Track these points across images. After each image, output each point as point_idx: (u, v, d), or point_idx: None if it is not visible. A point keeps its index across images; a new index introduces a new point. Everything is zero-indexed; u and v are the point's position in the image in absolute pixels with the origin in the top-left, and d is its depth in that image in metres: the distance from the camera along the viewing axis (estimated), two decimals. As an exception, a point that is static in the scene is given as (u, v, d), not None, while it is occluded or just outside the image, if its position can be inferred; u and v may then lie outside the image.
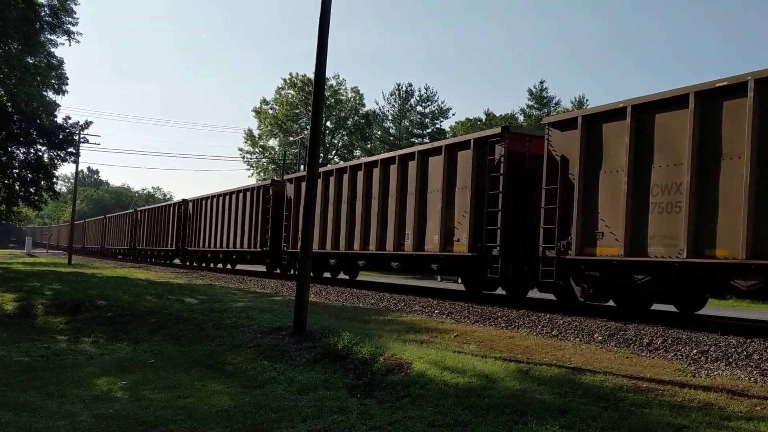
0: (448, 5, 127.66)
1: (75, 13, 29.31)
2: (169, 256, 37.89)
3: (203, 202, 30.44)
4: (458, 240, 13.77)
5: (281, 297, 16.55)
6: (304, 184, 19.07)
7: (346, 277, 21.85)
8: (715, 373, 7.46)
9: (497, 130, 13.15)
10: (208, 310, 12.78)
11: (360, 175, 17.66)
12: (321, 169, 19.38)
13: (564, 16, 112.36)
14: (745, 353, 7.91)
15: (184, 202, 33.72)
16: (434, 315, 12.79)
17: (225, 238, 27.13)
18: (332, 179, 18.98)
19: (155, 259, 40.59)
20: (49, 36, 29.40)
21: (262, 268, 26.64)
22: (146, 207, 43.64)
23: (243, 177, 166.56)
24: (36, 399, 7.19)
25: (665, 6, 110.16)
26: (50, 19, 28.27)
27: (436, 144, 15.29)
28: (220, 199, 28.21)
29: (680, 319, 10.95)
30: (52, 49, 30.78)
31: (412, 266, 17.10)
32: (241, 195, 25.96)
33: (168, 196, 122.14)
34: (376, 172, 17.00)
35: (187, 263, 34.69)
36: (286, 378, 7.71)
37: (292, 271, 22.49)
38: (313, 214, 10.58)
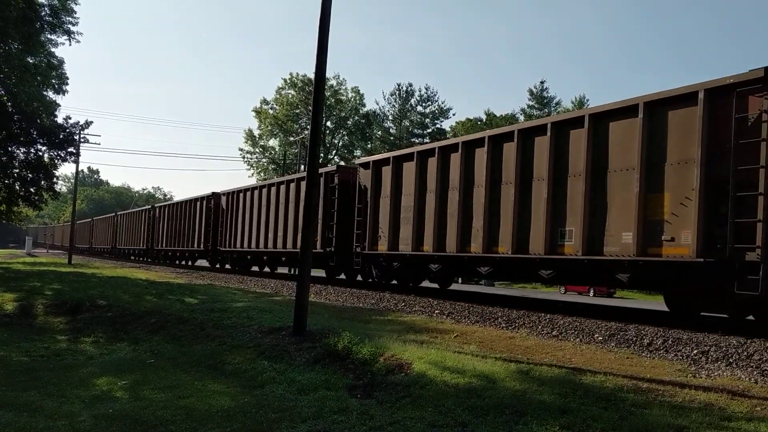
0: (448, 5, 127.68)
1: (75, 13, 29.40)
2: (195, 258, 33.61)
3: (241, 195, 26.23)
4: (672, 239, 9.82)
5: (281, 297, 16.55)
6: (387, 169, 16.54)
7: (435, 285, 17.87)
8: (716, 373, 7.45)
9: (757, 72, 8.98)
10: (209, 310, 12.78)
11: (480, 153, 13.57)
12: (417, 149, 15.91)
13: (564, 17, 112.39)
14: (745, 354, 7.91)
15: (215, 195, 29.30)
16: (434, 315, 12.78)
17: (271, 237, 22.98)
18: (432, 161, 14.89)
19: (178, 260, 36.14)
20: (49, 36, 29.47)
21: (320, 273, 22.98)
22: (166, 202, 37.81)
23: (243, 177, 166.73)
24: (36, 399, 7.19)
25: (665, 7, 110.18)
26: (50, 18, 28.31)
27: (625, 102, 10.79)
28: (264, 190, 24.02)
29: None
30: (53, 49, 30.87)
31: (578, 274, 12.65)
32: (293, 185, 21.65)
33: (168, 196, 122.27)
34: (508, 148, 12.88)
35: (218, 266, 30.55)
36: (286, 378, 7.71)
37: (367, 278, 18.69)
38: (315, 214, 10.58)
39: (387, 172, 16.55)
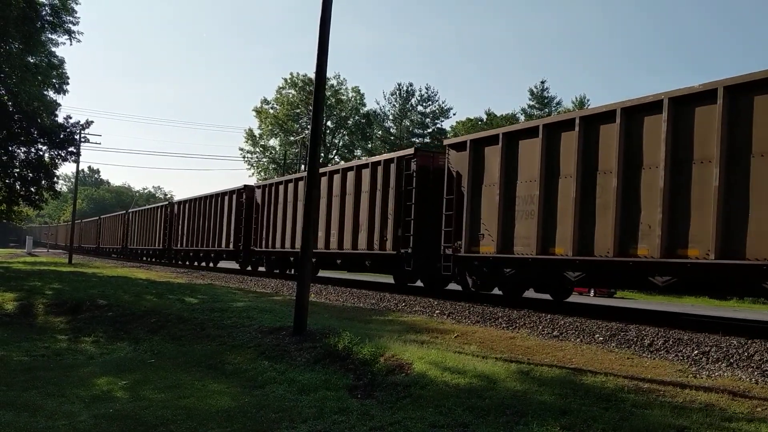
0: (448, 4, 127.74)
1: (76, 13, 29.49)
2: (222, 258, 30.27)
3: (281, 187, 22.88)
4: None
5: (281, 297, 16.54)
6: (493, 149, 12.90)
7: (547, 297, 14.62)
8: (717, 373, 7.44)
9: None
10: (209, 309, 12.77)
11: (651, 123, 10.23)
12: (543, 122, 12.17)
13: (564, 17, 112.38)
14: (746, 354, 7.90)
15: (248, 189, 26.27)
16: (435, 315, 12.77)
17: (322, 236, 19.39)
18: (569, 137, 11.43)
19: (200, 262, 33.06)
20: (50, 35, 29.53)
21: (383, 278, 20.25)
22: (185, 199, 34.28)
23: (244, 177, 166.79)
24: (36, 399, 7.19)
25: (665, 7, 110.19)
26: (51, 18, 28.38)
27: None
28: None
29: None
30: (53, 49, 30.97)
31: None
32: (351, 174, 18.16)
33: (169, 196, 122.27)
34: (703, 114, 9.55)
35: (249, 267, 27.22)
36: (286, 378, 7.70)
37: (440, 284, 16.38)
38: (315, 214, 10.48)
39: (493, 153, 13.09)
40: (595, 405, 5.84)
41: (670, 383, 6.74)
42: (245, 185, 26.92)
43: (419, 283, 17.71)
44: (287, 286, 18.96)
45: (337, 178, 18.86)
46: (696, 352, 8.32)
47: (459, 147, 14.15)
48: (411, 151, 16.19)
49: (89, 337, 11.65)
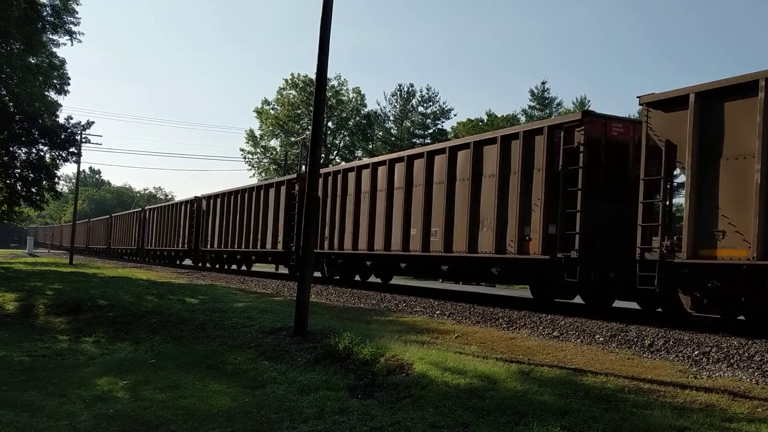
0: (446, 9, 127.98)
1: (77, 13, 29.48)
2: (267, 261, 25.94)
3: (350, 174, 18.40)
4: None
5: (282, 297, 16.55)
6: (744, 105, 8.93)
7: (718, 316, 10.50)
8: (717, 374, 7.44)
9: None
10: (210, 310, 12.78)
11: None
12: None
13: (560, 20, 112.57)
14: (746, 354, 7.90)
15: (300, 179, 20.79)
16: (435, 316, 12.77)
17: (417, 233, 15.29)
18: None
19: (231, 264, 29.33)
20: (51, 36, 29.56)
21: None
22: (215, 192, 30.24)
23: (244, 177, 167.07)
24: (37, 399, 7.20)
25: (658, 9, 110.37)
26: (52, 19, 28.39)
27: None
28: (401, 165, 16.21)
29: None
30: (54, 49, 30.97)
31: None
32: (464, 154, 14.00)
33: (170, 196, 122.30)
34: None
35: (293, 272, 23.06)
36: (287, 378, 7.71)
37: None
38: (316, 214, 10.45)
39: (743, 110, 9.03)
40: (596, 405, 5.85)
41: (670, 384, 6.74)
42: (298, 174, 22.69)
43: (577, 299, 13.17)
44: (288, 287, 18.94)
45: (440, 159, 14.63)
46: (696, 352, 8.32)
47: (671, 105, 9.87)
48: (577, 116, 11.64)
49: (90, 337, 11.67)
